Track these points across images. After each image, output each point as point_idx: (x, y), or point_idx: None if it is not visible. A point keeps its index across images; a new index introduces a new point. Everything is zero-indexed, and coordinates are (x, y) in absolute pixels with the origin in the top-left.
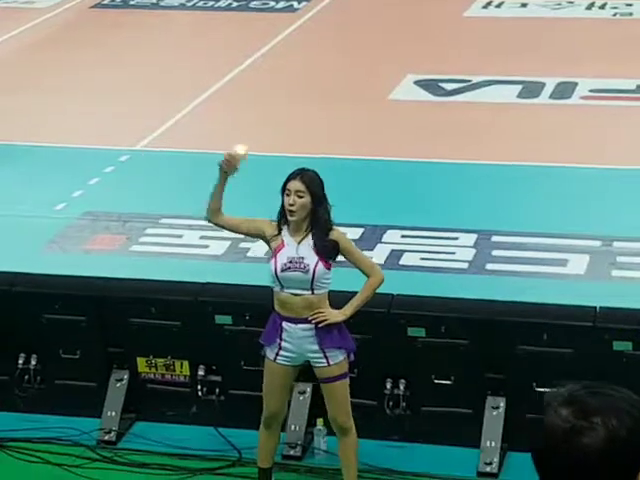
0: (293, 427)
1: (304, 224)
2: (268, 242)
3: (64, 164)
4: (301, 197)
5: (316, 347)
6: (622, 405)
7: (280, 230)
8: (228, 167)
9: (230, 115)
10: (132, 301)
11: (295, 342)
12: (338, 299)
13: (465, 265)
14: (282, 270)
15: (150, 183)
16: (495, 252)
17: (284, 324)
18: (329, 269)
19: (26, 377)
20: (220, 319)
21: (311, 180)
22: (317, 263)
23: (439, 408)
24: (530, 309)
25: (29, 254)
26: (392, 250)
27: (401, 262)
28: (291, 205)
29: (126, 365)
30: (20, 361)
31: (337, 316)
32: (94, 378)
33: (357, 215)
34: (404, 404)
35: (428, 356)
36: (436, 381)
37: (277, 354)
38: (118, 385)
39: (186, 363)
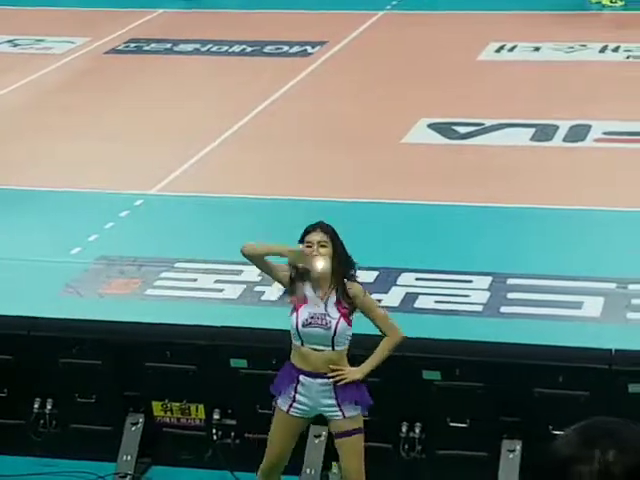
0: (308, 470)
1: (327, 278)
2: (289, 291)
3: (80, 209)
4: (324, 246)
5: (332, 402)
6: (630, 441)
7: (294, 282)
8: None
9: (244, 159)
10: (147, 345)
11: (311, 396)
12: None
13: (480, 308)
14: (303, 325)
15: (165, 227)
16: (510, 295)
17: (301, 377)
18: (350, 325)
19: (42, 421)
20: (235, 362)
21: (331, 230)
22: (339, 320)
23: (455, 451)
24: (545, 351)
25: (45, 298)
26: (406, 293)
27: (416, 305)
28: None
29: (142, 409)
30: (36, 405)
31: (355, 374)
32: (110, 422)
33: (371, 258)
34: (419, 447)
35: (444, 399)
36: (452, 424)
37: (291, 406)
38: (133, 429)
39: (201, 407)
